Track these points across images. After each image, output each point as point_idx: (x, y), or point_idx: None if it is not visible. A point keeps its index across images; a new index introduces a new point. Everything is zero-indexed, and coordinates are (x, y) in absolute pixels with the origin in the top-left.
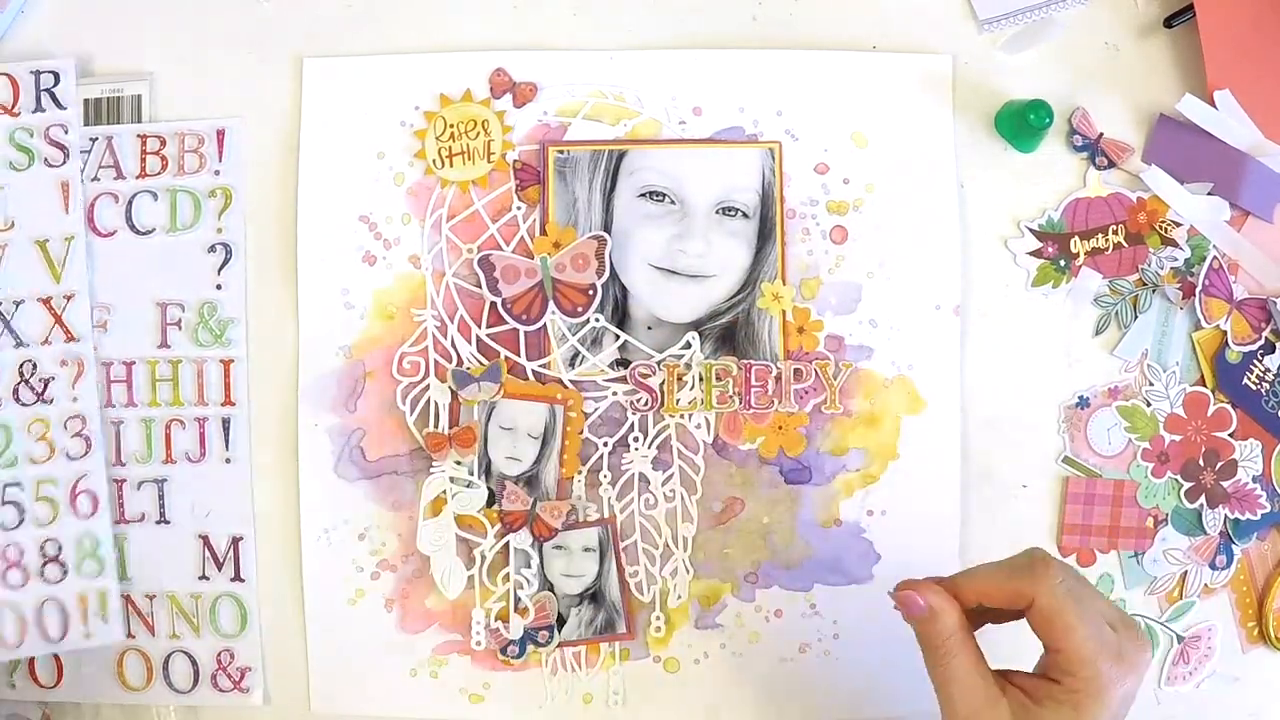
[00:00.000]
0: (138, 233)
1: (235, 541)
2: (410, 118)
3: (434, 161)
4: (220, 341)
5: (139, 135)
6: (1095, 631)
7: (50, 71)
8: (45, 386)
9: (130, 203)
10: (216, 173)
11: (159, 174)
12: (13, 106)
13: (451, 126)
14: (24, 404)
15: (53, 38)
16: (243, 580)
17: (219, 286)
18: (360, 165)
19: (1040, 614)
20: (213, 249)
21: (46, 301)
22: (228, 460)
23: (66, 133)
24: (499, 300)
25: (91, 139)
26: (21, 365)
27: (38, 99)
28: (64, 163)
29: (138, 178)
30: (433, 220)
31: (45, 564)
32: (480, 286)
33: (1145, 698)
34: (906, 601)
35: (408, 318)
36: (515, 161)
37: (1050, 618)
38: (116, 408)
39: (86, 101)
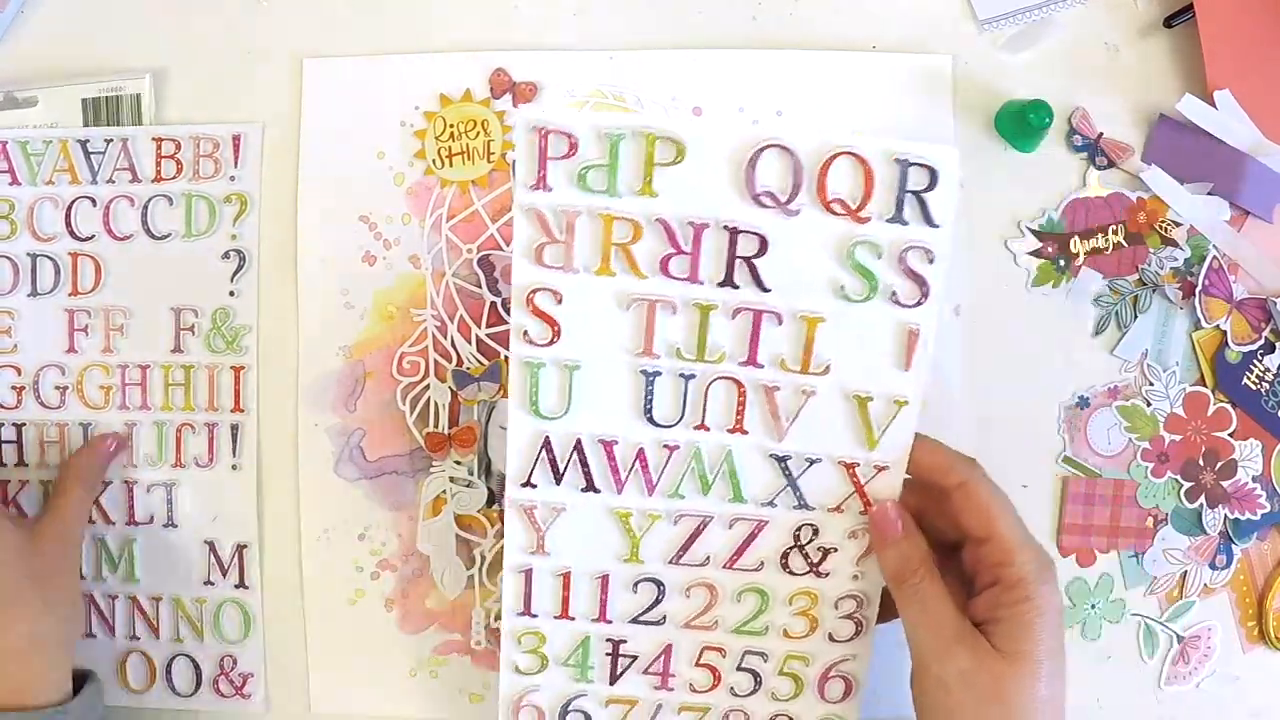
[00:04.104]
0: (154, 237)
1: (240, 549)
2: (410, 118)
3: (434, 161)
4: (233, 348)
5: (154, 138)
6: (1020, 525)
7: None
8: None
9: (146, 207)
10: (232, 178)
11: (174, 178)
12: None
13: (451, 126)
14: None
15: (52, 38)
16: (247, 587)
17: (233, 293)
18: (360, 165)
19: (972, 496)
20: (227, 255)
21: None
22: (235, 467)
23: None
24: (499, 300)
25: (106, 140)
26: None
27: None
28: None
29: (153, 181)
30: (433, 220)
31: None
32: (480, 286)
33: (1145, 698)
34: (882, 519)
35: (408, 318)
36: (515, 161)
37: (985, 502)
38: (131, 410)
39: (85, 101)
